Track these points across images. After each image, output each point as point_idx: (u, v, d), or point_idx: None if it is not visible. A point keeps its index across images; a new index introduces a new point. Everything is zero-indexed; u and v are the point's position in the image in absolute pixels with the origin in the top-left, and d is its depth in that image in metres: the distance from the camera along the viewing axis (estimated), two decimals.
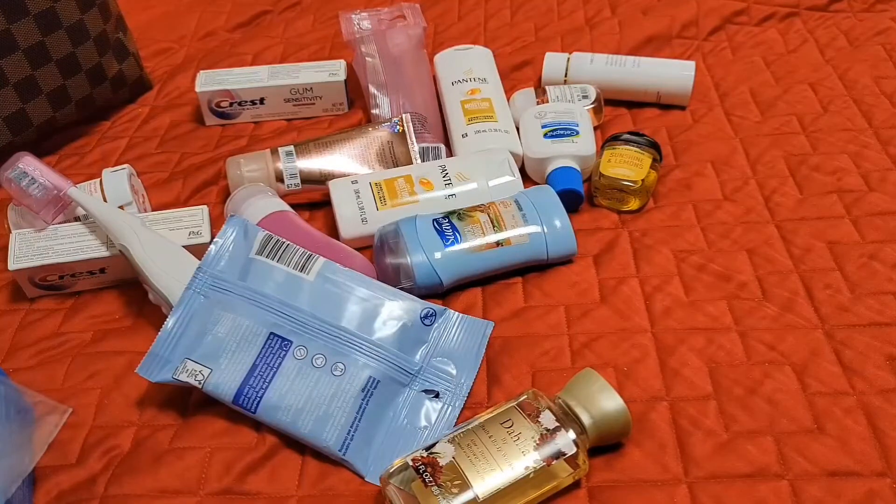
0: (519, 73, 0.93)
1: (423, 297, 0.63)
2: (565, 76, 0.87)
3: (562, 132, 0.76)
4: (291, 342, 0.57)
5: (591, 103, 0.82)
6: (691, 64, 0.86)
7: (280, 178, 0.75)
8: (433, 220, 0.67)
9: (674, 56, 0.94)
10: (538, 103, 0.82)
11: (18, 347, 0.65)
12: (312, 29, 1.04)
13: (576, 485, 0.52)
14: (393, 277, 0.65)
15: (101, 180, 0.72)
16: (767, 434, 0.55)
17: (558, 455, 0.50)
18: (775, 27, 0.98)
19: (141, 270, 0.62)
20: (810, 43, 0.95)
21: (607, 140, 0.76)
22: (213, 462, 0.55)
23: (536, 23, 1.02)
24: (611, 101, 0.87)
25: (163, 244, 0.64)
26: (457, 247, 0.65)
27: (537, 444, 0.51)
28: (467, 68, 0.84)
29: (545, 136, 0.76)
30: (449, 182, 0.72)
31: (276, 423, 0.56)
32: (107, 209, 0.66)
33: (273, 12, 1.09)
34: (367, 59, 0.87)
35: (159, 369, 0.57)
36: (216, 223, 0.74)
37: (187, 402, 0.60)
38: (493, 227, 0.66)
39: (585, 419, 0.52)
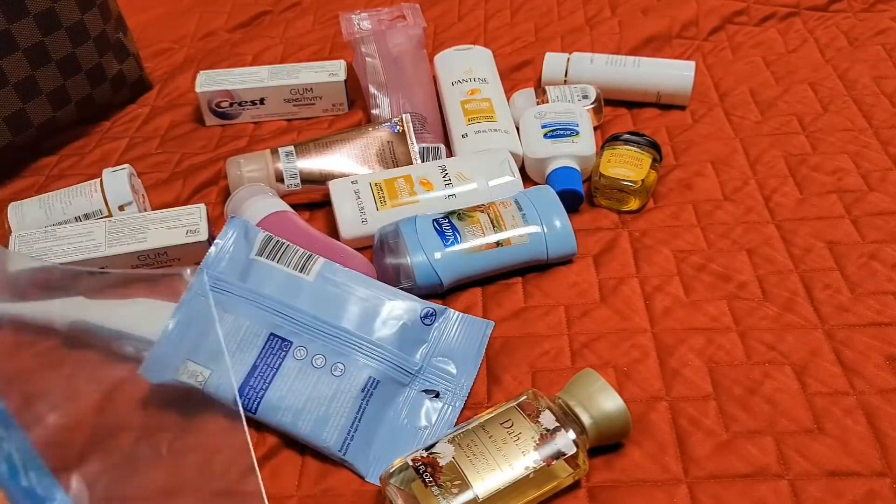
0: (519, 73, 0.92)
1: (423, 297, 0.63)
2: (565, 76, 0.87)
3: (562, 132, 0.76)
4: (291, 343, 0.57)
5: (591, 103, 0.82)
6: (691, 64, 0.86)
7: (280, 179, 0.75)
8: (433, 220, 0.67)
9: (674, 56, 0.94)
10: (538, 103, 0.82)
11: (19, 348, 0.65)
12: (312, 29, 1.04)
13: (576, 485, 0.52)
14: (393, 277, 0.65)
15: (101, 180, 0.72)
16: (767, 434, 0.55)
17: (558, 455, 0.50)
18: (775, 27, 0.98)
19: (108, 330, 0.60)
20: (810, 43, 0.95)
21: (607, 140, 0.76)
22: (213, 462, 0.55)
23: (536, 23, 1.02)
24: (611, 101, 0.87)
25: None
26: (457, 247, 0.65)
27: (537, 445, 0.51)
28: (467, 68, 0.84)
29: (545, 136, 0.76)
30: (449, 182, 0.72)
31: (276, 423, 0.56)
32: (38, 304, 0.61)
33: (273, 12, 1.09)
34: (367, 59, 0.87)
35: (160, 371, 0.57)
36: (216, 223, 0.74)
37: (188, 402, 0.60)
38: (493, 227, 0.66)
39: (585, 419, 0.52)
